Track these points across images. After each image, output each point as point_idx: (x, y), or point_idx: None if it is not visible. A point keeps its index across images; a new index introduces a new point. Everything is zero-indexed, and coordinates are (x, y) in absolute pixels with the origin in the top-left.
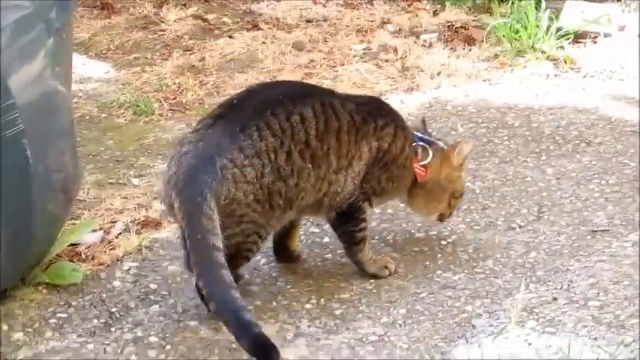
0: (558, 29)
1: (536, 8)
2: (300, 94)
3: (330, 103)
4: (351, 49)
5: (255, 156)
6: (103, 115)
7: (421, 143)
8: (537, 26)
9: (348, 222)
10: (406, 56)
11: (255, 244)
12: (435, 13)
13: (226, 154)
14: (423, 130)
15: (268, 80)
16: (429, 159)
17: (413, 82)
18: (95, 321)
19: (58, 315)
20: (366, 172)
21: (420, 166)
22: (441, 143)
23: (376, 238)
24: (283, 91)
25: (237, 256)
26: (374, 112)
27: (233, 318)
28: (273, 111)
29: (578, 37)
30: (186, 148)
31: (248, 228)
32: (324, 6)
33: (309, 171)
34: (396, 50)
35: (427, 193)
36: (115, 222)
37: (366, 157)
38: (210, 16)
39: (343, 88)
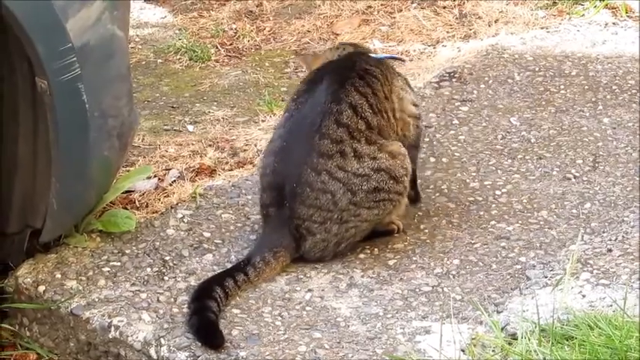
0: None
1: None
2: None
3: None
4: None
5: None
6: (159, 61)
7: None
8: None
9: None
10: (464, 3)
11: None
12: None
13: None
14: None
15: (325, 26)
16: None
17: (470, 30)
18: (148, 269)
19: (112, 263)
20: None
21: None
22: None
23: (431, 187)
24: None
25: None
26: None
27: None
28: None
29: None
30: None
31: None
32: None
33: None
34: None
35: None
36: (170, 169)
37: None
38: None
39: (400, 34)
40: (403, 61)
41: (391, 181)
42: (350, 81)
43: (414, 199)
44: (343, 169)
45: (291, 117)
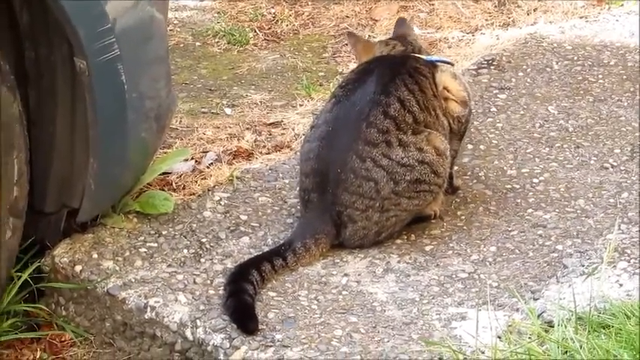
0: None
1: None
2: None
3: (412, 69)
4: None
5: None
6: (198, 44)
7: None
8: None
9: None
10: None
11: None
12: None
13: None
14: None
15: (364, 12)
16: None
17: (509, 18)
18: (185, 251)
19: (149, 244)
20: None
21: None
22: None
23: (468, 174)
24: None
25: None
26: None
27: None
28: (369, 117)
29: None
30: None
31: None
32: None
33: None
34: None
35: None
36: (207, 152)
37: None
38: None
39: (439, 22)
40: (452, 64)
41: (432, 175)
42: (400, 77)
43: (450, 192)
44: (388, 157)
45: (339, 103)
